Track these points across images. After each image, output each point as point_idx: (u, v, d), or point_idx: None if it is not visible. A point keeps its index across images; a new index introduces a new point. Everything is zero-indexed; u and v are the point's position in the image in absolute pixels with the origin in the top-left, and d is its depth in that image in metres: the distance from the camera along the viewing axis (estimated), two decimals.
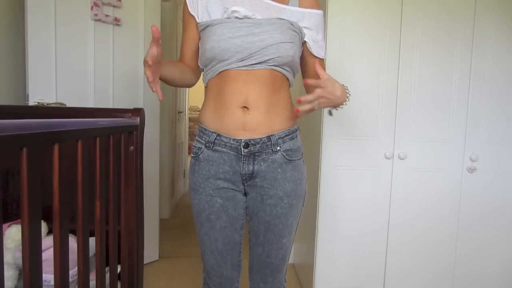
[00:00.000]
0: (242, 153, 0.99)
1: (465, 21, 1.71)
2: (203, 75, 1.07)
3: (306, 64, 1.09)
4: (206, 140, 1.02)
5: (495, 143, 1.76)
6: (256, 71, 0.97)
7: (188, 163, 1.08)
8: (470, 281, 1.82)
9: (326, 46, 1.10)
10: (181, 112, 3.90)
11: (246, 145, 0.98)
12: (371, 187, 1.76)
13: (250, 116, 0.97)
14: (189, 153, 1.13)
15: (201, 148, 1.03)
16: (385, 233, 1.78)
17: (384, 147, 1.74)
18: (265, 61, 0.96)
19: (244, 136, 0.98)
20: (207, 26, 0.99)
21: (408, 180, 1.76)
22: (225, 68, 0.97)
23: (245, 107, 0.97)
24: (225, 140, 0.99)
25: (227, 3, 0.99)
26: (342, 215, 1.77)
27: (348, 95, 0.93)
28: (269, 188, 1.01)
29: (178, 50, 1.14)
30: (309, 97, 0.85)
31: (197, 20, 1.03)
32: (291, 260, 2.47)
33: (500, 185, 1.78)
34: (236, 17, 0.97)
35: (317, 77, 0.90)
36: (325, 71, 0.93)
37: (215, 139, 1.00)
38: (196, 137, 1.07)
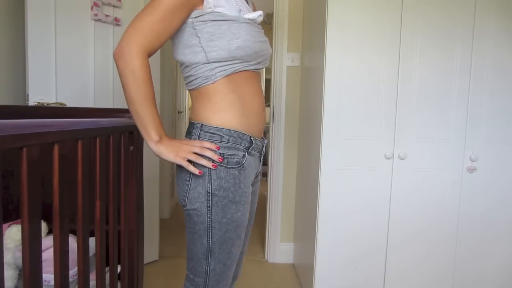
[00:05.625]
0: (262, 152, 1.03)
1: (465, 25, 1.71)
2: (211, 70, 0.92)
3: None
4: (246, 146, 0.95)
5: (495, 143, 1.76)
6: (259, 74, 1.03)
7: (221, 175, 0.92)
8: (471, 279, 1.82)
9: None
10: (181, 112, 3.90)
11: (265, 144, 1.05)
12: (371, 187, 1.76)
13: (265, 119, 1.04)
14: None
15: (244, 155, 0.94)
16: (385, 233, 1.78)
17: (384, 147, 1.74)
18: (262, 68, 1.03)
19: (262, 135, 1.04)
20: (228, 20, 0.90)
21: (408, 180, 1.76)
22: (246, 68, 0.95)
23: (263, 108, 1.03)
24: (257, 143, 0.99)
25: (239, 3, 0.96)
26: (342, 215, 1.77)
27: None
28: (257, 178, 1.09)
29: None
30: None
31: (211, 7, 0.90)
32: (291, 260, 2.47)
33: (500, 185, 1.78)
34: (253, 21, 0.95)
35: None
36: None
37: (255, 143, 0.98)
38: (231, 144, 0.93)
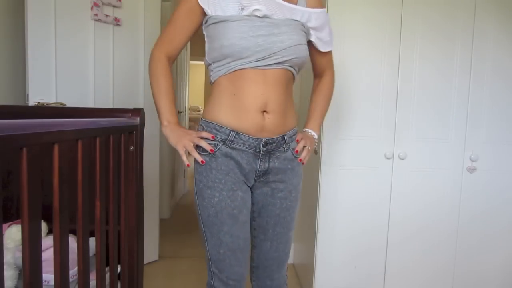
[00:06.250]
0: (261, 151, 1.01)
1: (465, 26, 1.71)
2: (211, 70, 1.03)
3: (314, 62, 1.20)
4: (223, 137, 0.99)
5: (495, 143, 1.76)
6: (273, 71, 0.99)
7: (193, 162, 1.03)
8: (470, 278, 1.82)
9: (332, 37, 1.15)
10: (181, 112, 3.90)
11: (265, 144, 1.01)
12: (371, 187, 1.76)
13: (269, 120, 1.01)
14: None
15: (217, 144, 1.00)
16: (385, 233, 1.78)
17: (384, 147, 1.74)
18: (282, 62, 0.99)
19: (262, 135, 1.00)
20: (222, 21, 0.96)
21: (408, 180, 1.76)
22: (242, 67, 0.96)
23: (265, 111, 1.00)
24: (244, 139, 0.99)
25: (243, 0, 0.96)
26: (342, 215, 1.77)
27: (315, 140, 1.17)
28: (280, 183, 1.08)
29: None
30: (300, 144, 1.09)
31: (208, 12, 0.98)
32: (291, 260, 2.47)
33: (500, 185, 1.78)
34: (256, 16, 0.95)
35: (323, 70, 1.20)
36: (333, 60, 1.20)
37: (234, 137, 0.99)
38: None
